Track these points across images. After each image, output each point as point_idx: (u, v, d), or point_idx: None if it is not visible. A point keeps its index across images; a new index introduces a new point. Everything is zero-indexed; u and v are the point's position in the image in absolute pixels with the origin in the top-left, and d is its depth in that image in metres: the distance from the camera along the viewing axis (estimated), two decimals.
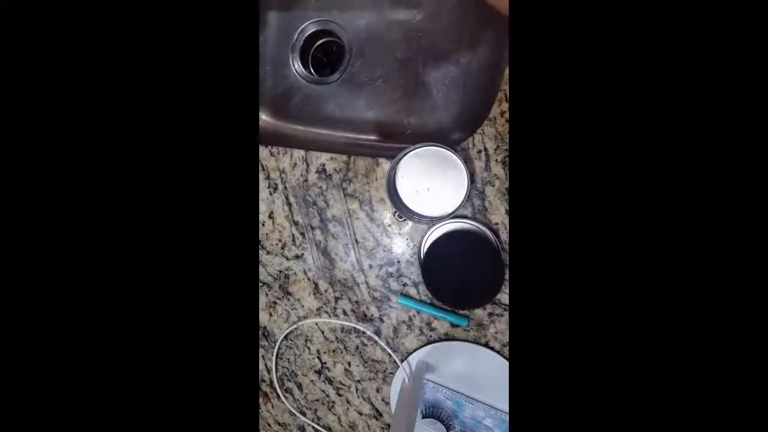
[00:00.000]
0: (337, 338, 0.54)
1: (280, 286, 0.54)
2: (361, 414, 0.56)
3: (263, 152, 0.52)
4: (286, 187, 0.52)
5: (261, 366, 0.57)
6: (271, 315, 0.55)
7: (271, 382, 0.57)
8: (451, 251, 0.47)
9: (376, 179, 0.50)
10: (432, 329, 0.51)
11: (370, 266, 0.51)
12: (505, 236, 0.48)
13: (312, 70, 0.62)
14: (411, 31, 0.56)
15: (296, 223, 0.52)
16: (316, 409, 0.57)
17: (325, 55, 0.63)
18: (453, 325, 0.50)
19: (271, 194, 0.52)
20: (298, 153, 0.51)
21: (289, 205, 0.52)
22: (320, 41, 0.61)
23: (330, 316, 0.53)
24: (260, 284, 0.54)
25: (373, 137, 0.58)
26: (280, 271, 0.53)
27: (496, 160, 0.48)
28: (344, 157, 0.51)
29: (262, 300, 0.55)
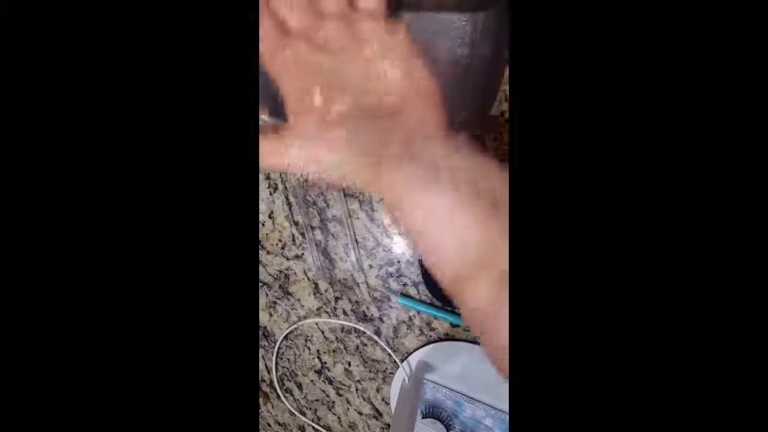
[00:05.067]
0: (337, 338, 0.54)
1: (280, 286, 0.54)
2: (361, 414, 0.56)
3: None
4: (286, 187, 0.52)
5: (261, 366, 0.57)
6: (271, 315, 0.55)
7: (271, 382, 0.57)
8: None
9: None
10: (432, 329, 0.51)
11: (370, 266, 0.51)
12: None
13: None
14: (411, 31, 0.56)
15: (296, 223, 0.52)
16: (316, 409, 0.57)
17: None
18: (453, 325, 0.50)
19: (271, 194, 0.52)
20: None
21: (289, 205, 0.52)
22: None
23: (330, 316, 0.53)
24: (260, 284, 0.54)
25: None
26: (280, 271, 0.53)
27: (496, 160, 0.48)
28: None
29: (262, 300, 0.55)
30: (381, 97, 0.23)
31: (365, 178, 0.23)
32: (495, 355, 0.22)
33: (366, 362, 0.54)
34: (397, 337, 0.52)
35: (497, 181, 0.22)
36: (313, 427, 0.58)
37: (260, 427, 0.61)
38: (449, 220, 0.22)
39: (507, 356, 0.20)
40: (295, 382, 0.57)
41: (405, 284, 0.50)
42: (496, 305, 0.21)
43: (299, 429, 0.59)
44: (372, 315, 0.52)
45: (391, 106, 0.23)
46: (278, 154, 0.23)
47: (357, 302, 0.52)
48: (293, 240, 0.52)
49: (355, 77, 0.23)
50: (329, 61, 0.23)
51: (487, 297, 0.22)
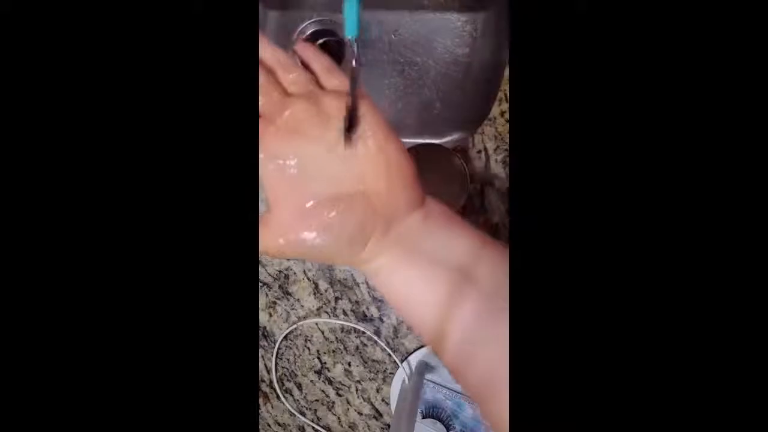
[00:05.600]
0: (336, 338, 0.54)
1: (279, 286, 0.54)
2: (361, 414, 0.56)
3: None
4: None
5: (261, 366, 0.57)
6: (270, 315, 0.55)
7: (271, 382, 0.57)
8: None
9: None
10: None
11: None
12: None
13: None
14: (411, 31, 0.56)
15: None
16: (315, 410, 0.57)
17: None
18: None
19: None
20: None
21: None
22: (320, 41, 0.61)
23: (330, 316, 0.53)
24: (260, 284, 0.54)
25: None
26: (280, 271, 0.53)
27: (496, 160, 0.48)
28: None
29: (262, 300, 0.55)
30: (354, 180, 0.23)
31: (348, 261, 0.24)
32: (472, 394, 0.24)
33: (366, 362, 0.54)
34: (397, 337, 0.52)
35: (470, 256, 0.24)
36: (313, 428, 0.58)
37: (260, 427, 0.61)
38: (426, 294, 0.23)
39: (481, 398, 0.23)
40: (295, 383, 0.57)
41: None
42: (467, 365, 0.23)
43: (299, 429, 0.59)
44: (372, 315, 0.52)
45: (366, 189, 0.23)
46: (264, 241, 0.24)
47: (357, 302, 0.52)
48: None
49: (327, 161, 0.23)
50: (299, 145, 0.23)
51: (458, 364, 0.23)
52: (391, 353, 0.52)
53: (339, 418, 0.57)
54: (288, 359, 0.56)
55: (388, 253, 0.24)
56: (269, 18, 0.59)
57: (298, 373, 0.56)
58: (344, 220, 0.23)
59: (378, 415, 0.56)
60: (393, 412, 0.53)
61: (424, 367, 0.50)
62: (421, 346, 0.51)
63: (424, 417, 0.50)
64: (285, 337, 0.55)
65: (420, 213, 0.25)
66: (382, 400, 0.55)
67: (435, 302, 0.23)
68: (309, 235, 0.23)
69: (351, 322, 0.53)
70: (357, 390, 0.55)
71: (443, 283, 0.23)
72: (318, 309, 0.54)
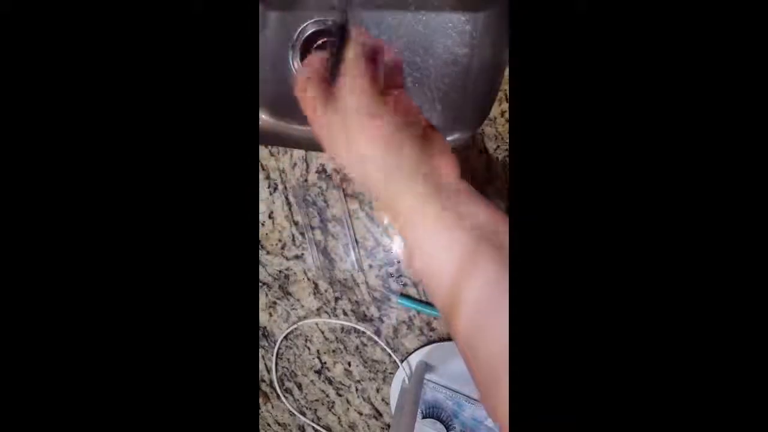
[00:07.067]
0: (336, 338, 0.54)
1: (279, 286, 0.54)
2: (361, 414, 0.56)
3: (263, 152, 0.52)
4: (285, 187, 0.52)
5: (261, 366, 0.57)
6: (270, 315, 0.55)
7: (271, 382, 0.57)
8: None
9: None
10: (432, 329, 0.51)
11: (370, 266, 0.51)
12: None
13: None
14: (411, 31, 0.56)
15: (296, 223, 0.52)
16: (316, 410, 0.58)
17: None
18: None
19: (271, 194, 0.52)
20: (298, 153, 0.51)
21: (289, 205, 0.52)
22: (320, 41, 0.61)
23: (330, 316, 0.53)
24: (260, 284, 0.54)
25: None
26: (280, 271, 0.53)
27: (497, 160, 0.48)
28: None
29: (262, 300, 0.55)
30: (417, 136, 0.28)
31: (376, 185, 0.27)
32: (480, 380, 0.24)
33: (366, 362, 0.54)
34: (397, 337, 0.52)
35: (493, 224, 0.25)
36: (313, 428, 0.58)
37: (260, 427, 0.61)
38: (446, 250, 0.25)
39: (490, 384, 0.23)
40: (295, 382, 0.57)
41: (405, 284, 0.50)
42: (478, 332, 0.23)
43: (299, 429, 0.59)
44: (372, 315, 0.52)
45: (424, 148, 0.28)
46: (320, 125, 0.28)
47: (357, 302, 0.52)
48: (293, 240, 0.52)
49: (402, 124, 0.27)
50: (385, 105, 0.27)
51: (468, 326, 0.24)
52: (391, 353, 0.52)
53: (339, 417, 0.57)
54: (288, 359, 0.56)
55: (418, 194, 0.26)
56: (269, 18, 0.59)
57: (298, 372, 0.56)
58: (399, 146, 0.27)
59: (378, 414, 0.56)
60: (393, 412, 0.53)
61: (424, 367, 0.50)
62: (421, 346, 0.51)
63: (424, 417, 0.50)
64: (285, 337, 0.55)
65: (453, 174, 0.28)
66: (382, 400, 0.55)
67: (454, 260, 0.25)
68: (362, 140, 0.26)
69: (351, 322, 0.53)
70: (357, 390, 0.55)
71: (465, 242, 0.25)
72: (318, 309, 0.54)
